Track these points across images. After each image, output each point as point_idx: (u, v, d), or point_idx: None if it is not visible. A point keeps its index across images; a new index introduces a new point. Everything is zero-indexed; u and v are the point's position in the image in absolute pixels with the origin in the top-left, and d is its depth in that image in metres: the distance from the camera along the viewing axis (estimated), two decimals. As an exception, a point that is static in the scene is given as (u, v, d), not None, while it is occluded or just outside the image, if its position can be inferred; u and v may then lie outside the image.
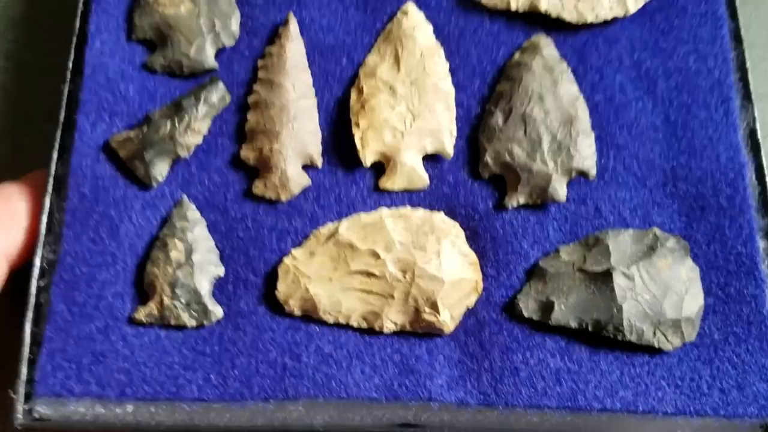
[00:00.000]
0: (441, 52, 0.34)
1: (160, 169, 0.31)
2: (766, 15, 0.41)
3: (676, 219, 0.32)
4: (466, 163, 0.33)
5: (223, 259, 0.31)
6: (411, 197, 0.32)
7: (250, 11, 0.34)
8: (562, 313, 0.30)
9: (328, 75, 0.34)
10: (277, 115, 0.32)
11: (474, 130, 0.33)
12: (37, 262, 0.29)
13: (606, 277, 0.30)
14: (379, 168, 0.33)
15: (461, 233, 0.31)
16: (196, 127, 0.31)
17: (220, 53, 0.34)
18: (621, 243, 0.31)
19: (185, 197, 0.31)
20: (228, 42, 0.33)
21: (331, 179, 0.32)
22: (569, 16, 0.34)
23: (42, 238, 0.30)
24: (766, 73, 0.39)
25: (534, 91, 0.33)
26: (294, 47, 0.33)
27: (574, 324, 0.29)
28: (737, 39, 0.35)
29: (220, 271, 0.30)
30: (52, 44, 0.37)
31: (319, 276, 0.30)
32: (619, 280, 0.29)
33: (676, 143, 0.33)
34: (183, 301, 0.29)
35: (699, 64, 0.34)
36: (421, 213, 0.31)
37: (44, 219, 0.30)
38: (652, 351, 0.29)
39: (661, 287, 0.30)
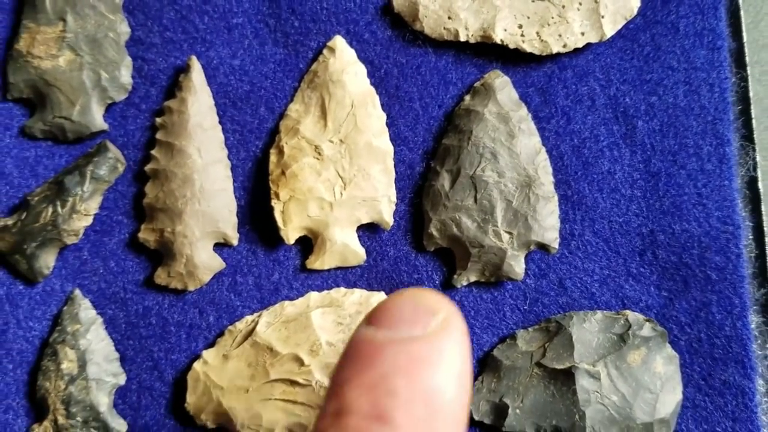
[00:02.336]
0: (376, 99, 0.28)
1: (46, 261, 0.27)
2: (779, 8, 0.35)
3: (654, 294, 0.27)
4: (408, 232, 0.28)
5: (125, 362, 0.27)
6: (346, 275, 0.28)
7: (145, 54, 0.28)
8: (517, 418, 0.26)
9: (244, 129, 0.28)
10: (180, 188, 0.27)
11: (418, 192, 0.28)
12: None
13: (568, 376, 0.25)
14: (307, 241, 0.28)
15: (402, 319, 0.27)
16: (82, 209, 0.26)
17: (110, 108, 0.28)
18: (587, 332, 0.26)
19: (77, 292, 0.27)
20: (118, 96, 0.28)
21: (249, 259, 0.28)
22: (531, 47, 0.28)
23: None
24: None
25: (486, 147, 0.27)
26: (198, 101, 0.27)
27: (530, 431, 0.26)
28: (739, 62, 0.29)
29: (121, 379, 0.26)
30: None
31: (233, 386, 0.26)
32: (582, 381, 0.25)
33: (657, 201, 0.28)
34: (80, 419, 0.25)
35: (690, 99, 0.28)
36: (356, 296, 0.27)
37: None
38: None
39: (631, 385, 0.25)
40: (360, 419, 0.16)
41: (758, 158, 0.28)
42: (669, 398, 0.26)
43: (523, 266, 0.27)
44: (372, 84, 0.28)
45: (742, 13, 0.29)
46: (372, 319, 0.18)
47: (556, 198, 0.27)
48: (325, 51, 0.28)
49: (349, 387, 0.16)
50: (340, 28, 0.29)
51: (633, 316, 0.26)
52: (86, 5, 0.28)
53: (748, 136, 0.28)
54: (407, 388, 0.16)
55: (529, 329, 0.27)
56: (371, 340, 0.17)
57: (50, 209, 0.26)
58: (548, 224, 0.27)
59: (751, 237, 0.28)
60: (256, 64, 0.29)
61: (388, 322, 0.17)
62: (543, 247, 0.27)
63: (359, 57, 0.28)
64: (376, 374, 0.16)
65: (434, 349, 0.17)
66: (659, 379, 0.26)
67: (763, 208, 0.28)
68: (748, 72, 0.29)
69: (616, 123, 0.28)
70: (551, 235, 0.27)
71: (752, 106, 0.29)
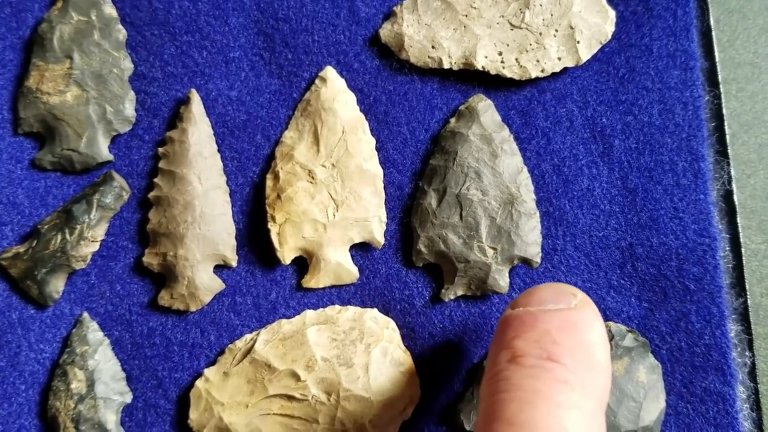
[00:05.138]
0: (365, 126, 0.30)
1: (55, 286, 0.28)
2: (755, 26, 0.36)
3: (635, 305, 0.28)
4: (399, 249, 0.29)
5: (131, 381, 0.28)
6: (340, 292, 0.29)
7: (148, 87, 0.30)
8: (505, 427, 0.27)
9: (242, 156, 0.30)
10: (181, 214, 0.28)
11: (407, 211, 0.30)
12: (-67, 396, 0.27)
13: (552, 386, 0.27)
14: (302, 261, 0.29)
15: (396, 334, 0.28)
16: (90, 236, 0.28)
17: (115, 139, 0.30)
18: (570, 343, 0.27)
19: (86, 315, 0.28)
20: (123, 128, 0.30)
21: (248, 280, 0.29)
22: (511, 73, 0.29)
23: (-65, 369, 0.27)
24: (753, 98, 0.34)
25: (470, 167, 0.29)
26: (197, 130, 0.29)
27: (518, 439, 0.27)
28: (712, 81, 0.30)
29: (127, 398, 0.27)
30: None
31: (234, 402, 0.27)
32: (566, 391, 0.26)
33: (635, 216, 0.29)
34: (88, 436, 0.27)
35: (665, 117, 0.30)
36: (350, 313, 0.28)
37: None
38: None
39: (615, 395, 0.26)
40: (534, 359, 0.20)
41: (733, 172, 0.30)
42: (652, 406, 0.27)
43: (508, 280, 0.28)
44: (362, 111, 0.30)
45: (714, 33, 0.31)
46: (519, 303, 0.22)
47: (537, 215, 0.28)
48: (317, 81, 0.30)
49: (519, 340, 0.21)
50: (330, 59, 0.30)
51: (615, 327, 0.27)
52: (91, 43, 0.30)
53: (722, 152, 0.30)
54: (569, 340, 0.20)
55: (516, 341, 0.28)
56: (526, 312, 0.21)
57: (59, 237, 0.28)
58: (531, 240, 0.28)
59: (728, 248, 0.29)
60: (253, 94, 0.30)
61: (537, 301, 0.22)
62: (526, 262, 0.28)
63: (349, 86, 0.30)
64: (540, 330, 0.21)
65: (582, 316, 0.21)
66: (642, 388, 0.27)
67: (738, 220, 0.29)
68: (722, 90, 0.30)
69: (593, 142, 0.30)
70: (534, 250, 0.28)
71: (728, 122, 0.30)
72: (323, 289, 0.29)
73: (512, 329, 0.21)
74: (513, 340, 0.21)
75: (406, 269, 0.29)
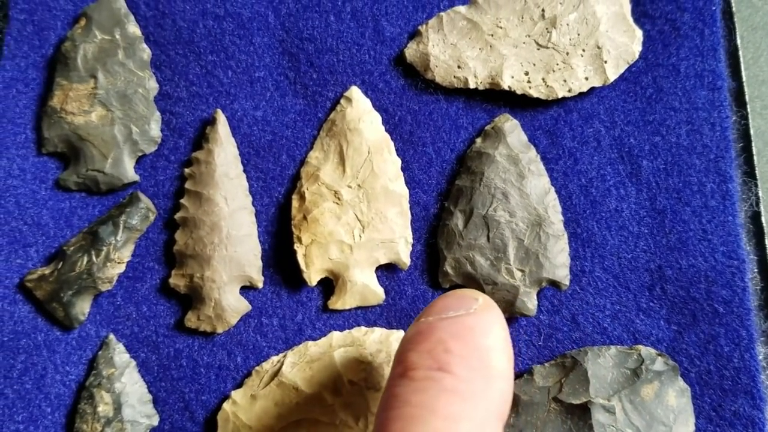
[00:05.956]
0: (391, 146, 0.30)
1: (81, 308, 0.28)
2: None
3: (664, 328, 0.28)
4: (424, 271, 0.29)
5: (158, 403, 0.28)
6: (366, 314, 0.29)
7: (174, 107, 0.30)
8: (535, 452, 0.27)
9: (267, 176, 0.30)
10: (208, 235, 0.28)
11: (433, 232, 0.30)
12: (-40, 418, 0.27)
13: (584, 411, 0.26)
14: (328, 282, 0.29)
15: (421, 356, 0.28)
16: (116, 257, 0.28)
17: (141, 160, 0.30)
18: (601, 367, 0.27)
19: (112, 337, 0.28)
20: (148, 149, 0.30)
21: (274, 301, 0.29)
22: (537, 92, 0.29)
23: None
24: (775, 115, 0.34)
25: (497, 188, 0.28)
26: (223, 151, 0.29)
27: (547, 464, 0.26)
28: (739, 101, 0.30)
29: (154, 421, 0.27)
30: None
31: (261, 425, 0.27)
32: (598, 416, 0.26)
33: (663, 238, 0.29)
34: (116, 459, 0.27)
35: (693, 138, 0.30)
36: (377, 335, 0.28)
37: (-38, 370, 0.27)
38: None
39: (645, 419, 0.26)
40: (425, 371, 0.19)
41: (761, 193, 0.29)
42: (682, 430, 0.26)
43: (536, 302, 0.28)
44: (387, 131, 0.30)
45: (740, 52, 0.31)
46: (424, 313, 0.21)
47: (565, 236, 0.28)
48: (342, 101, 0.30)
49: (412, 353, 0.20)
50: (355, 79, 0.30)
51: (645, 350, 0.27)
52: (116, 63, 0.30)
53: (750, 172, 0.30)
54: (461, 347, 0.20)
55: (546, 364, 0.28)
56: (424, 322, 0.21)
57: (85, 258, 0.28)
58: (559, 261, 0.28)
59: (755, 270, 0.29)
60: (278, 114, 0.30)
61: (437, 310, 0.21)
62: (554, 284, 0.28)
63: (374, 105, 0.30)
64: (434, 339, 0.20)
65: (480, 320, 0.20)
66: (672, 412, 0.26)
67: (767, 241, 0.29)
68: (749, 109, 0.30)
69: (621, 163, 0.29)
70: (562, 272, 0.28)
71: (754, 142, 0.30)
72: (349, 310, 0.29)
73: (408, 342, 0.21)
74: (406, 353, 0.20)
75: (432, 290, 0.29)
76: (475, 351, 0.20)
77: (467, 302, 0.21)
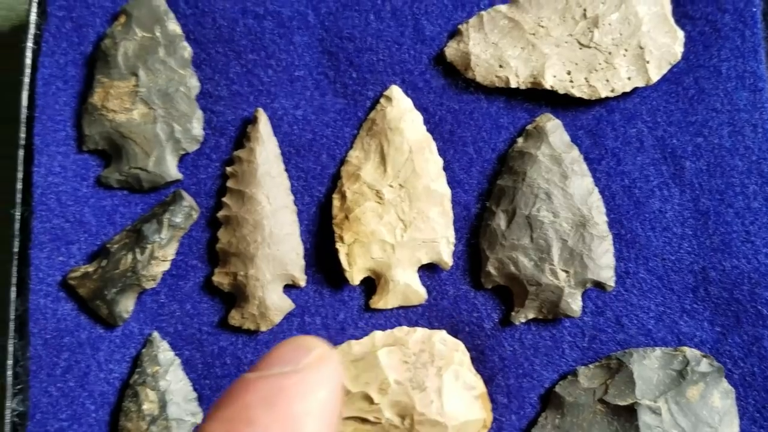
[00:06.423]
0: (432, 145, 0.29)
1: (125, 306, 0.28)
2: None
3: (708, 329, 0.28)
4: (466, 271, 0.29)
5: (202, 401, 0.28)
6: (407, 314, 0.29)
7: (214, 106, 0.30)
8: (580, 453, 0.27)
9: (308, 175, 0.30)
10: (251, 234, 0.28)
11: (474, 232, 0.30)
12: (8, 417, 0.27)
13: (630, 412, 0.26)
14: (370, 281, 0.29)
15: (466, 357, 0.28)
16: (160, 255, 0.28)
17: (183, 158, 0.30)
18: (647, 369, 0.27)
19: (156, 334, 0.28)
20: (191, 147, 0.30)
21: (316, 300, 0.29)
22: (579, 92, 0.29)
23: (9, 389, 0.27)
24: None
25: (540, 188, 0.28)
26: (265, 150, 0.29)
27: (593, 465, 0.26)
28: (780, 102, 0.30)
29: (199, 418, 0.27)
30: None
31: (306, 424, 0.27)
32: (644, 417, 0.26)
33: (707, 239, 0.29)
34: (160, 457, 0.27)
35: (735, 139, 0.29)
36: (419, 335, 0.28)
37: (9, 368, 0.27)
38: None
39: (691, 420, 0.26)
40: None
41: (803, 195, 0.29)
42: (727, 431, 0.26)
43: (580, 304, 0.28)
44: (428, 130, 0.30)
45: (780, 53, 0.31)
46: (256, 365, 0.18)
47: (610, 237, 0.28)
48: (382, 100, 0.30)
49: (211, 422, 0.17)
50: (395, 78, 0.30)
51: (690, 352, 0.27)
52: (157, 61, 0.30)
53: (791, 174, 0.30)
54: (266, 416, 0.17)
55: (590, 366, 0.28)
56: (243, 380, 0.18)
57: (130, 256, 0.28)
58: (603, 263, 0.28)
59: (799, 271, 0.29)
60: (318, 113, 0.30)
61: (266, 365, 0.18)
62: (599, 285, 0.28)
63: (415, 105, 0.30)
64: (238, 407, 0.17)
65: (301, 380, 0.17)
66: (717, 414, 0.26)
67: (810, 243, 0.29)
68: (790, 111, 0.30)
69: (664, 163, 0.29)
70: (607, 274, 0.28)
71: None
72: (391, 310, 0.29)
73: (215, 405, 0.18)
74: (207, 419, 0.17)
75: (474, 291, 0.29)
76: (282, 419, 0.17)
77: (298, 355, 0.18)
